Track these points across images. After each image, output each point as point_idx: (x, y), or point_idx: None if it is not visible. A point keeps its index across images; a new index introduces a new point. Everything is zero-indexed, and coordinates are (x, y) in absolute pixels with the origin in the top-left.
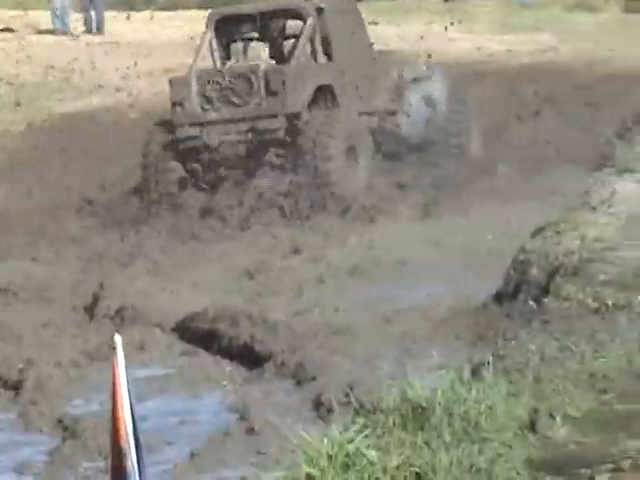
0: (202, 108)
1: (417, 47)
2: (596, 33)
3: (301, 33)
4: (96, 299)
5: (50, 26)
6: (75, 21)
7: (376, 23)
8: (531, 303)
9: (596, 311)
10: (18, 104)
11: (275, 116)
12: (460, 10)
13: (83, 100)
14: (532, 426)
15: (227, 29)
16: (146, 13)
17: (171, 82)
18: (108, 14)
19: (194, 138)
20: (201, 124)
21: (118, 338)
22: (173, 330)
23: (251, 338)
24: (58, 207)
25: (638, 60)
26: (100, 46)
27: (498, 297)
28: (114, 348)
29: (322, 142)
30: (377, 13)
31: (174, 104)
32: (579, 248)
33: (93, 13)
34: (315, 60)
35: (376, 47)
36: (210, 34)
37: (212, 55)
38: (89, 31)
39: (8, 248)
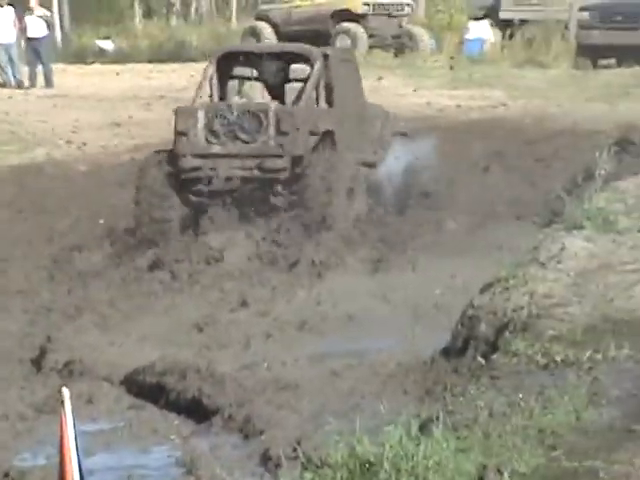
0: (207, 141)
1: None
2: (546, 89)
3: (309, 77)
4: (43, 352)
5: None
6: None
7: None
8: (479, 359)
9: (545, 367)
10: None
11: (281, 156)
12: (410, 65)
13: (31, 152)
14: None
15: (229, 66)
16: (96, 66)
17: (177, 112)
18: (58, 67)
19: (197, 169)
20: (205, 156)
21: (66, 391)
22: (121, 383)
23: (199, 391)
24: (4, 260)
25: (587, 116)
26: (50, 99)
27: (446, 352)
28: (62, 401)
29: (326, 186)
30: None
31: (179, 134)
32: (528, 304)
33: (40, 67)
34: (317, 105)
35: None
36: (212, 69)
37: (211, 90)
38: (33, 85)
39: None
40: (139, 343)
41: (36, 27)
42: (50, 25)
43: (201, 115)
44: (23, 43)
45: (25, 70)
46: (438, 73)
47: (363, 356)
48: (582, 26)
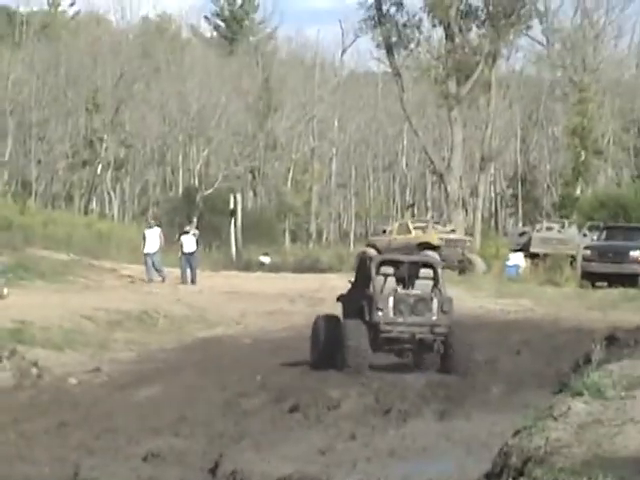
0: (394, 314)
1: None
2: (559, 301)
3: (436, 277)
4: (217, 464)
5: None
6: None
7: None
8: None
9: None
10: (171, 330)
11: (441, 326)
12: (469, 281)
13: (213, 329)
14: None
15: (382, 268)
16: (259, 273)
17: (375, 297)
18: (232, 273)
19: (389, 332)
20: (394, 324)
21: None
22: None
23: None
24: (191, 401)
25: (587, 320)
26: (225, 294)
27: (488, 476)
28: None
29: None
30: None
31: (378, 309)
32: (544, 445)
33: (188, 271)
34: None
35: None
36: (374, 270)
37: (373, 283)
38: (184, 283)
39: (159, 426)
40: (281, 461)
41: (189, 244)
42: (198, 241)
43: (391, 299)
44: (180, 254)
45: (167, 272)
46: (488, 287)
47: (432, 476)
48: (585, 259)
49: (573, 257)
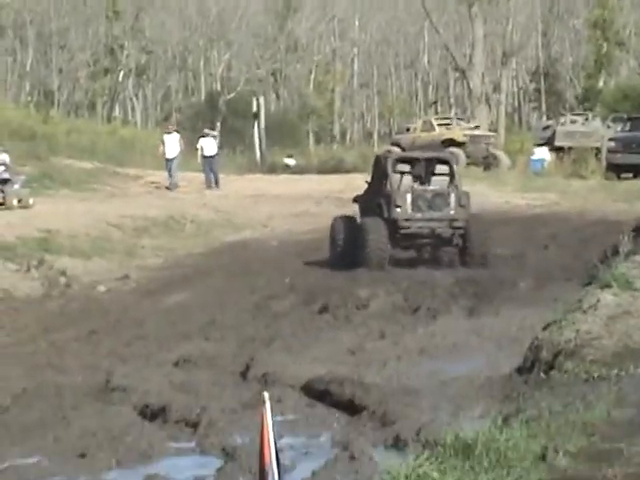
0: (413, 210)
1: None
2: (585, 193)
3: (451, 171)
4: (248, 367)
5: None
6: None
7: None
8: (542, 375)
9: (586, 381)
10: (198, 235)
11: (459, 220)
12: (494, 176)
13: (239, 233)
14: (543, 458)
15: (398, 166)
16: (284, 175)
17: (393, 194)
18: (256, 176)
19: (408, 228)
20: (412, 220)
21: (266, 395)
22: (301, 389)
23: (352, 395)
24: (221, 305)
25: (613, 211)
26: (251, 197)
27: (519, 370)
28: (263, 401)
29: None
30: None
31: (396, 206)
32: (575, 338)
33: (211, 175)
34: None
35: None
36: (390, 169)
37: (390, 181)
38: (209, 188)
39: (189, 331)
40: (312, 362)
41: (209, 147)
42: (221, 144)
43: (408, 196)
44: (200, 158)
45: (190, 177)
46: (513, 182)
47: (463, 372)
48: (610, 151)
49: (598, 149)
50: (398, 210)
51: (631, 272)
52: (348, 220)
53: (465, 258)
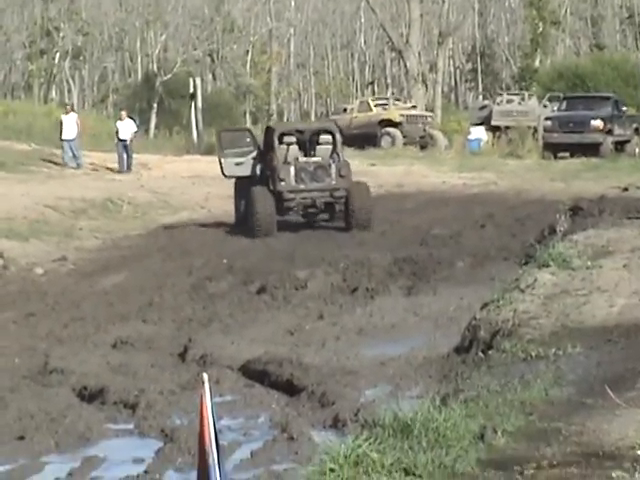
0: (296, 182)
1: (402, 180)
2: (522, 173)
3: (335, 142)
4: (186, 349)
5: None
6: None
7: (374, 165)
8: (480, 354)
9: (524, 360)
10: (136, 216)
11: (340, 189)
12: (431, 156)
13: (177, 214)
14: (481, 437)
15: (284, 138)
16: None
17: (278, 167)
18: (194, 157)
19: (292, 199)
20: (296, 191)
21: (205, 376)
22: (238, 370)
23: (291, 375)
24: (159, 287)
25: (550, 191)
26: (188, 179)
27: (457, 350)
28: (203, 382)
29: (366, 205)
30: (374, 158)
31: (280, 180)
32: (512, 317)
33: (125, 156)
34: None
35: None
36: (276, 142)
37: (275, 154)
38: (121, 171)
39: (126, 312)
40: (250, 343)
41: (124, 130)
42: (138, 127)
43: (292, 169)
44: (116, 140)
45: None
46: (450, 162)
47: (401, 352)
48: (546, 130)
49: (535, 129)
50: (283, 184)
51: (568, 251)
52: (244, 184)
53: (350, 222)
